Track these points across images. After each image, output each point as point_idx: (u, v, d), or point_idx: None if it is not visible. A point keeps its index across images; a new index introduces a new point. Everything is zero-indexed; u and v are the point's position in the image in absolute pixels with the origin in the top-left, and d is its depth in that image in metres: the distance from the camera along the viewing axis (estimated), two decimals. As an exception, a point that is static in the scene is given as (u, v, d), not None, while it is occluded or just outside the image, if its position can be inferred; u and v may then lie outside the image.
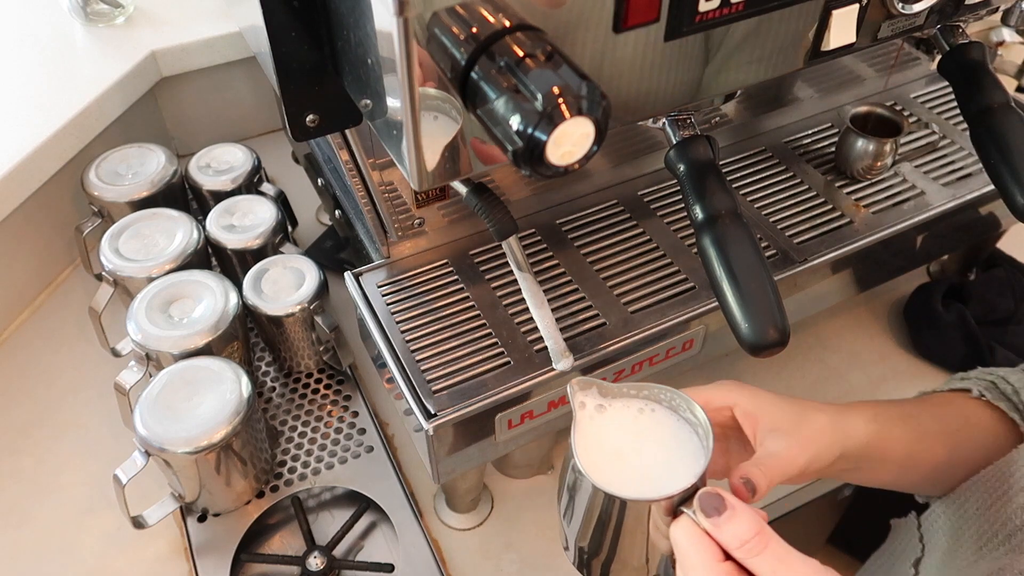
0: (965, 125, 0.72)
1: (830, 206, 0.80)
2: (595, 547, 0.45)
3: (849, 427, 0.53)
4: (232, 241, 0.85)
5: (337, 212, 0.83)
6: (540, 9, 0.41)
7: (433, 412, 0.62)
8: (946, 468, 0.59)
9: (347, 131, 0.67)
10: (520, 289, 0.61)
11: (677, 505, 0.41)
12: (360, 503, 0.77)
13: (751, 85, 0.54)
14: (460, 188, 0.59)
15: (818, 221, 0.78)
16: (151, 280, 0.79)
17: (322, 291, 0.80)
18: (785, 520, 0.82)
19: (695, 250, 0.69)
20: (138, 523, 0.71)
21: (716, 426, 0.50)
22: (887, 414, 0.57)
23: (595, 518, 0.43)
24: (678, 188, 0.61)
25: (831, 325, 0.94)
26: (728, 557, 0.39)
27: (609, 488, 0.41)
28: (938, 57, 0.72)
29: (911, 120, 0.90)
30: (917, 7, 0.54)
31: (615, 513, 0.42)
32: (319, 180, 0.87)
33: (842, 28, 0.52)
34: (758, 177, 0.83)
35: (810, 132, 0.89)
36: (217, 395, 0.70)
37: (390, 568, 0.71)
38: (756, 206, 0.80)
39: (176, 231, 0.84)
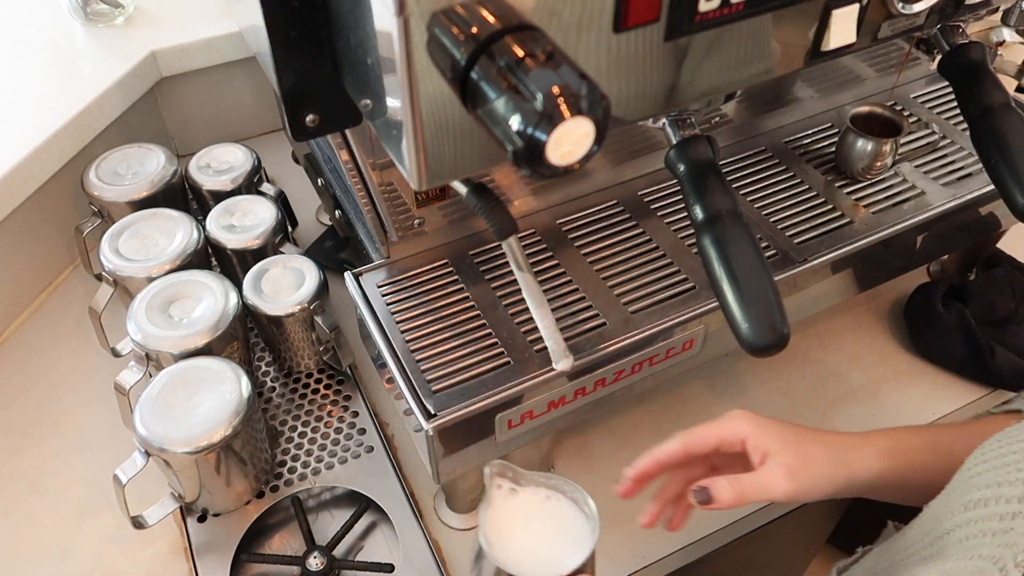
0: (965, 125, 0.72)
1: (830, 206, 0.80)
2: None
3: (855, 460, 0.55)
4: (232, 241, 0.85)
5: (337, 212, 0.83)
6: (540, 9, 0.41)
7: (433, 412, 0.62)
8: None
9: (347, 131, 0.67)
10: (520, 289, 0.61)
11: None
12: (360, 503, 0.76)
13: (752, 85, 0.54)
14: (460, 188, 0.59)
15: (818, 221, 0.78)
16: (151, 280, 0.79)
17: (322, 291, 0.80)
18: (784, 520, 0.82)
19: (695, 250, 0.69)
20: (138, 523, 0.71)
21: (730, 454, 0.57)
22: (907, 446, 0.57)
23: None
24: (678, 188, 0.61)
25: (831, 325, 0.94)
26: None
27: (506, 564, 0.50)
28: (938, 57, 0.72)
29: (911, 120, 0.90)
30: (917, 7, 0.54)
31: None
32: (319, 180, 0.87)
33: (842, 28, 0.52)
34: (758, 177, 0.83)
35: (810, 132, 0.89)
36: (217, 395, 0.70)
37: (390, 568, 0.71)
38: (756, 206, 0.80)
39: (176, 231, 0.84)
